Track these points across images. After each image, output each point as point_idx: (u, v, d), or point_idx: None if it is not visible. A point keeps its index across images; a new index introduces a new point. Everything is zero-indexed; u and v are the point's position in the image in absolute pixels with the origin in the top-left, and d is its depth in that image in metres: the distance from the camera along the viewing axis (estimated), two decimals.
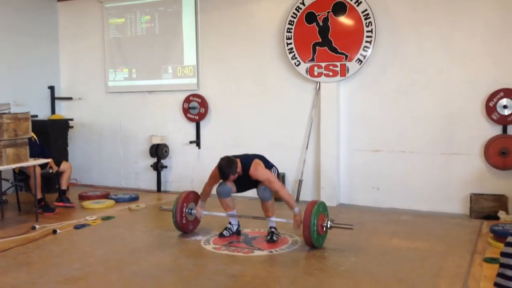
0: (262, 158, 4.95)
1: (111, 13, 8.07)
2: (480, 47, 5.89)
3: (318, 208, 4.51)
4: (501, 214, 5.61)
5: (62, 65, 8.63)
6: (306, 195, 6.83)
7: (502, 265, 2.06)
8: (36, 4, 8.20)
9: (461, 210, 6.03)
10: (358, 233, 5.08)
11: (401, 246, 4.66)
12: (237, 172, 4.66)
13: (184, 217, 5.04)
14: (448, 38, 6.03)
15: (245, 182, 4.84)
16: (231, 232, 5.03)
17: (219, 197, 4.94)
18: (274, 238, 4.81)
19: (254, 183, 4.84)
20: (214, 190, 5.01)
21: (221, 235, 5.00)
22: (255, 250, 4.59)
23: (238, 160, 4.70)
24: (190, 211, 5.10)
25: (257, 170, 4.67)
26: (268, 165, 4.89)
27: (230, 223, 5.08)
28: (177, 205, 5.00)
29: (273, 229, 4.87)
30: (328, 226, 4.61)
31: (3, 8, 7.65)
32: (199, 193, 5.19)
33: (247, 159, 4.78)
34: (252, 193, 6.93)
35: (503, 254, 2.08)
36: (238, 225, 5.13)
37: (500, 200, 5.73)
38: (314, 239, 4.47)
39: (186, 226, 5.10)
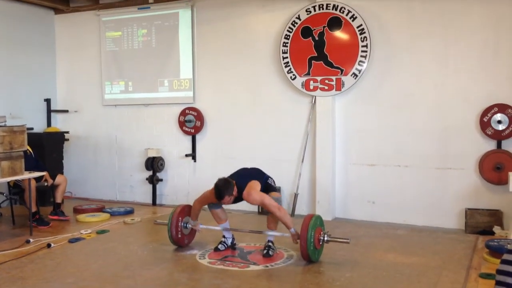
0: (258, 171, 4.96)
1: (108, 26, 8.11)
2: (474, 62, 5.94)
3: (315, 222, 4.51)
4: (496, 229, 5.62)
5: (58, 78, 8.64)
6: (302, 209, 6.83)
7: (498, 283, 2.06)
8: (34, 17, 8.22)
9: (456, 225, 6.04)
10: (354, 248, 5.07)
11: (396, 261, 4.66)
12: (232, 194, 4.62)
13: (179, 232, 5.03)
14: (443, 53, 6.08)
15: (240, 201, 4.83)
16: (226, 246, 5.02)
17: (210, 209, 4.93)
18: (270, 252, 4.80)
19: None
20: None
21: (216, 249, 4.98)
22: (250, 265, 4.57)
23: (234, 183, 4.65)
24: (185, 225, 5.08)
25: (250, 195, 4.57)
26: (265, 177, 4.89)
27: (224, 236, 5.06)
28: (172, 219, 4.98)
29: (270, 243, 4.85)
30: (325, 239, 4.60)
31: (0, 20, 7.67)
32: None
33: (242, 180, 4.70)
34: (247, 206, 6.92)
35: (499, 272, 2.09)
36: (233, 238, 5.11)
37: (495, 215, 5.75)
38: (310, 253, 4.46)
39: (182, 240, 5.09)
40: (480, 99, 5.90)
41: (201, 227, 5.12)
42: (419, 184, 6.24)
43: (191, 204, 5.15)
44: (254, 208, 7.01)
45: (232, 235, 5.11)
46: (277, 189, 4.98)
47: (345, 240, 4.63)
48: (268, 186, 4.83)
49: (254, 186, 4.64)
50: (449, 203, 6.09)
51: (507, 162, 5.74)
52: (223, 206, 4.93)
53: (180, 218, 5.03)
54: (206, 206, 4.99)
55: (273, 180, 4.99)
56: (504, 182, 5.67)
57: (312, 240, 4.44)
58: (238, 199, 4.77)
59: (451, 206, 6.07)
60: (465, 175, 6.01)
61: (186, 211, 5.14)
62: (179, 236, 5.03)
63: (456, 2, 5.99)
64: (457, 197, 6.05)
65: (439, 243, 5.29)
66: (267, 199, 4.58)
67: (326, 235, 4.60)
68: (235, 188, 4.63)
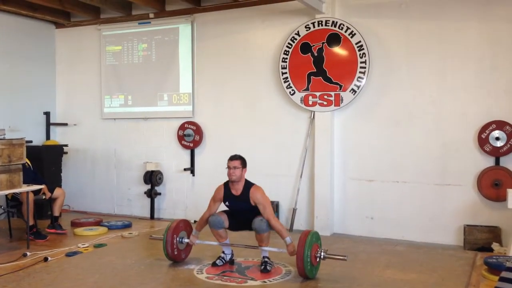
0: None
1: (109, 40, 8.16)
2: (472, 78, 5.98)
3: (311, 239, 4.49)
4: (495, 246, 5.61)
5: (58, 91, 8.67)
6: (300, 224, 6.81)
7: None
8: (34, 30, 8.28)
9: (455, 241, 6.03)
10: (352, 264, 5.06)
11: (395, 277, 4.64)
12: (243, 169, 4.77)
13: (175, 248, 5.01)
14: (441, 69, 6.12)
15: (240, 210, 4.83)
16: (224, 261, 5.00)
17: (211, 227, 4.92)
18: (268, 267, 4.78)
19: (248, 216, 4.80)
20: None
21: (214, 264, 4.96)
22: (248, 280, 4.55)
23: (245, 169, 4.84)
24: (181, 240, 5.06)
25: (258, 191, 4.75)
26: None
27: (223, 252, 5.05)
28: (167, 237, 4.95)
29: (266, 259, 4.84)
30: (322, 256, 4.58)
31: (1, 33, 7.72)
32: (190, 222, 5.16)
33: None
34: None
35: None
36: (232, 254, 5.10)
37: (493, 232, 5.74)
38: (307, 271, 4.44)
39: (179, 256, 5.07)
40: (478, 116, 5.93)
41: (198, 242, 5.11)
42: (418, 200, 6.24)
43: (189, 218, 5.15)
44: None
45: (232, 251, 5.09)
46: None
47: (342, 257, 4.61)
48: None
49: (262, 190, 4.83)
50: (448, 220, 6.08)
51: (505, 178, 5.75)
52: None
53: (174, 235, 5.01)
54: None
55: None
56: (503, 198, 5.68)
57: (309, 260, 4.42)
58: (239, 214, 4.81)
59: (450, 222, 6.07)
60: (463, 191, 6.01)
61: (181, 226, 5.13)
62: (175, 253, 5.02)
63: (453, 19, 6.05)
64: (455, 214, 6.05)
65: (437, 260, 5.28)
66: (269, 203, 4.78)
67: (322, 252, 4.58)
68: (244, 177, 4.80)
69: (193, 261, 5.11)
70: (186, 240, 5.08)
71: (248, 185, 4.82)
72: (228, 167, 4.79)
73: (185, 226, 5.16)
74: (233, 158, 4.82)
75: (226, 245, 5.04)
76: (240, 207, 4.84)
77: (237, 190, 4.82)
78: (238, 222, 4.92)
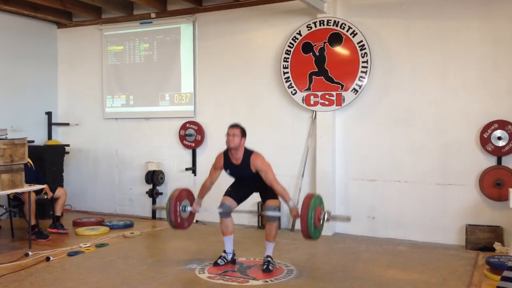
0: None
1: (110, 40, 8.17)
2: (474, 78, 5.97)
3: (315, 202, 4.50)
4: (497, 245, 5.60)
5: (60, 91, 8.68)
6: None
7: None
8: (36, 30, 8.29)
9: (457, 241, 6.02)
10: (354, 264, 5.06)
11: (397, 277, 4.63)
12: (242, 138, 4.77)
13: (178, 216, 4.94)
14: (443, 69, 6.11)
15: (242, 177, 4.86)
16: (226, 261, 5.00)
17: (221, 217, 4.94)
18: (270, 267, 4.78)
19: (250, 183, 4.86)
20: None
21: (215, 264, 4.95)
22: (250, 280, 4.55)
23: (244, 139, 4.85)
24: (184, 208, 5.00)
25: (258, 158, 4.76)
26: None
27: (224, 251, 5.05)
28: (170, 205, 4.90)
29: (269, 258, 4.84)
30: (325, 218, 4.57)
31: (3, 33, 7.74)
32: (192, 192, 5.15)
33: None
34: (247, 220, 6.92)
35: None
36: (233, 254, 5.10)
37: (495, 232, 5.73)
38: (311, 232, 4.43)
39: (182, 224, 5.02)
40: (480, 115, 5.92)
41: (200, 210, 5.09)
42: (420, 199, 6.23)
43: (190, 189, 5.16)
44: (254, 223, 7.00)
45: (233, 250, 5.10)
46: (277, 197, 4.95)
47: (346, 218, 4.61)
48: (270, 189, 4.83)
49: (262, 156, 4.83)
50: (450, 219, 6.07)
51: (507, 178, 5.74)
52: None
53: (178, 202, 4.95)
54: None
55: None
56: (505, 198, 5.67)
57: (313, 221, 4.41)
58: (243, 182, 4.88)
59: (452, 222, 6.06)
60: (465, 191, 6.00)
61: (184, 195, 5.05)
62: (179, 220, 4.96)
63: (455, 18, 6.04)
64: (457, 213, 6.04)
65: (439, 260, 5.27)
66: (271, 169, 4.76)
67: (326, 214, 4.59)
68: (243, 145, 4.78)
69: (195, 261, 5.11)
70: (189, 209, 5.03)
71: (248, 153, 4.81)
72: (228, 134, 4.80)
73: (187, 195, 5.10)
74: (233, 125, 4.84)
75: (231, 245, 5.02)
76: (242, 174, 4.87)
77: (237, 159, 4.82)
78: (241, 192, 4.95)
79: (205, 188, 5.04)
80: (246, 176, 4.85)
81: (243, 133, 4.83)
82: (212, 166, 5.00)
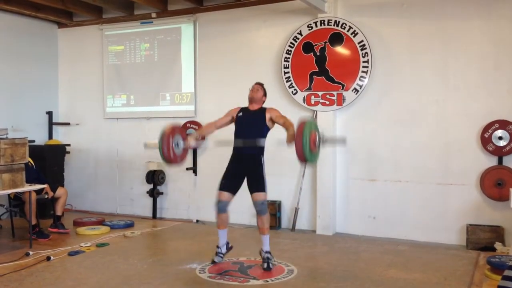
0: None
1: (111, 40, 8.17)
2: (475, 78, 5.97)
3: (310, 126, 4.47)
4: (498, 245, 5.60)
5: (60, 91, 8.69)
6: (302, 224, 6.81)
7: None
8: (37, 30, 8.30)
9: (458, 241, 6.02)
10: (355, 263, 5.06)
11: (398, 277, 4.63)
12: (263, 95, 5.11)
13: (171, 150, 4.84)
14: (444, 68, 6.11)
15: (249, 123, 4.95)
16: (222, 256, 5.00)
17: (217, 212, 4.93)
18: (271, 266, 4.78)
19: (254, 132, 4.91)
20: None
21: (213, 262, 4.96)
22: (250, 279, 4.54)
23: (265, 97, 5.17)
24: (176, 143, 4.90)
25: (274, 109, 5.03)
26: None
27: (217, 246, 5.04)
28: (163, 138, 4.82)
29: (268, 255, 4.83)
30: (321, 141, 4.57)
31: (4, 33, 7.74)
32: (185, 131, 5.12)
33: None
34: (248, 220, 6.91)
35: None
36: (227, 244, 5.09)
37: (496, 232, 5.72)
38: (307, 155, 4.39)
39: (175, 159, 4.91)
40: (481, 115, 5.91)
41: (193, 145, 5.11)
42: (420, 199, 6.23)
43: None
44: (255, 222, 6.98)
45: (226, 241, 5.08)
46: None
47: (341, 140, 4.59)
48: (258, 177, 4.88)
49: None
50: (451, 219, 6.07)
51: (508, 178, 5.73)
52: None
53: (171, 136, 4.85)
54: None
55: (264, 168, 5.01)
56: (506, 198, 5.66)
57: (308, 145, 4.37)
58: (258, 113, 5.00)
59: (453, 222, 6.06)
60: (466, 191, 6.00)
61: (177, 130, 4.98)
62: (172, 155, 4.85)
63: (456, 18, 6.04)
64: (458, 213, 6.04)
65: (440, 259, 5.27)
66: (280, 117, 4.98)
67: (322, 136, 4.59)
68: (264, 97, 5.14)
69: (195, 261, 5.10)
70: (182, 144, 4.93)
71: (264, 108, 5.05)
72: (252, 88, 5.06)
73: (180, 130, 5.04)
74: (258, 83, 5.16)
75: (225, 236, 5.03)
76: (251, 120, 4.96)
77: (254, 107, 5.04)
78: (235, 180, 4.92)
79: (207, 128, 5.18)
80: (253, 123, 4.93)
81: (265, 93, 5.14)
82: (227, 112, 5.15)
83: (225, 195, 4.90)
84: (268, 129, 4.99)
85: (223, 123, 5.13)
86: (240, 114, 5.03)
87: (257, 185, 4.84)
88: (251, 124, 4.97)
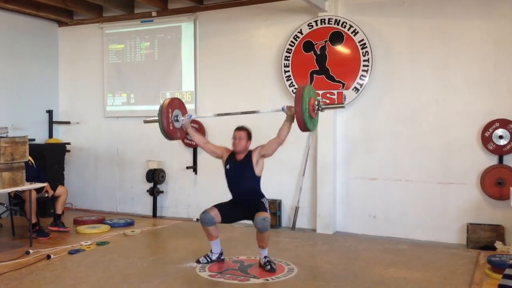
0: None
1: (111, 39, 8.16)
2: (476, 77, 5.96)
3: (308, 92, 4.48)
4: (498, 244, 5.59)
5: (61, 89, 8.68)
6: (302, 223, 6.81)
7: None
8: (37, 29, 8.29)
9: (458, 240, 6.01)
10: (355, 262, 5.06)
11: (398, 276, 4.63)
12: (248, 141, 4.87)
13: (170, 123, 4.85)
14: (444, 67, 6.11)
15: (239, 174, 4.84)
16: (209, 260, 4.97)
17: (202, 224, 4.87)
18: (274, 266, 4.75)
19: (245, 183, 4.85)
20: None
21: (197, 261, 4.95)
22: (251, 278, 4.54)
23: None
24: (175, 117, 4.92)
25: (256, 148, 4.85)
26: (264, 198, 4.94)
27: (211, 251, 5.02)
28: (162, 111, 4.81)
29: (268, 258, 4.81)
30: (320, 108, 4.59)
31: (4, 32, 7.74)
32: (184, 104, 5.15)
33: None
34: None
35: (501, 287, 2.08)
36: (220, 254, 5.05)
37: (497, 230, 5.72)
38: (307, 123, 4.43)
39: (174, 133, 4.91)
40: (481, 114, 5.91)
41: (192, 117, 5.11)
42: (421, 198, 6.22)
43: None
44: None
45: (221, 250, 5.05)
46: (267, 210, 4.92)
47: (340, 106, 4.69)
48: (261, 205, 4.84)
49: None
50: (451, 218, 6.06)
51: (508, 177, 5.73)
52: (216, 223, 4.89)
53: (170, 110, 4.85)
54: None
55: (267, 202, 5.00)
56: (506, 197, 5.66)
57: (307, 112, 4.40)
58: (245, 161, 4.85)
59: (453, 221, 6.05)
60: (466, 190, 6.00)
61: (176, 103, 4.98)
62: (171, 127, 4.85)
63: (456, 17, 6.03)
64: (458, 212, 6.03)
65: (440, 258, 5.26)
66: (266, 143, 4.83)
67: (320, 102, 4.61)
68: (249, 141, 4.89)
69: (195, 259, 5.09)
70: (182, 118, 4.94)
71: (249, 152, 4.89)
72: (234, 138, 4.84)
73: (179, 103, 5.03)
74: (240, 128, 4.89)
75: (219, 246, 5.02)
76: (240, 173, 4.85)
77: (240, 157, 4.89)
78: (231, 212, 4.87)
79: (201, 137, 5.27)
80: (243, 173, 4.83)
81: (249, 136, 4.89)
82: (217, 144, 5.11)
83: (214, 211, 4.83)
84: (259, 178, 4.90)
85: (211, 147, 5.10)
86: (228, 167, 4.91)
87: (261, 210, 4.76)
88: (240, 177, 4.87)
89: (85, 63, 8.48)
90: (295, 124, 4.52)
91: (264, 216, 4.67)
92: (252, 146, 4.97)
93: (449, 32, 6.07)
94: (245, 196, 4.89)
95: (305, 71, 6.61)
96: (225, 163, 4.96)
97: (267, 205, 4.90)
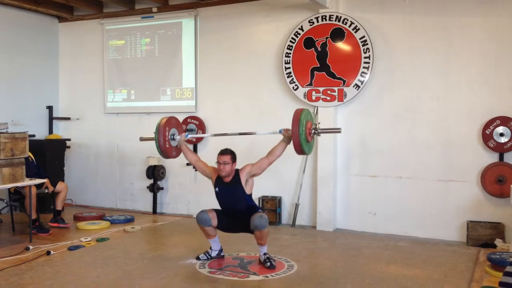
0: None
1: (112, 35, 8.15)
2: (476, 74, 5.95)
3: (305, 116, 4.56)
4: (498, 242, 5.59)
5: (61, 85, 8.67)
6: (302, 219, 6.81)
7: None
8: (38, 24, 8.27)
9: (458, 237, 6.01)
10: (355, 259, 5.06)
11: (398, 273, 4.63)
12: (233, 164, 4.79)
13: (167, 142, 4.92)
14: (445, 65, 6.09)
15: (230, 198, 4.81)
16: (208, 257, 4.98)
17: (198, 224, 4.88)
18: (273, 263, 4.75)
19: (238, 205, 4.82)
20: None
21: (197, 258, 4.96)
22: (250, 275, 4.54)
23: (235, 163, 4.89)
24: (172, 136, 4.99)
25: (244, 167, 4.83)
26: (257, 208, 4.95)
27: (210, 248, 5.03)
28: (159, 129, 4.87)
29: (267, 255, 4.80)
30: (316, 132, 4.68)
31: (4, 27, 7.72)
32: (180, 122, 5.21)
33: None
34: None
35: (502, 284, 2.08)
36: (220, 250, 5.05)
37: (497, 228, 5.72)
38: (304, 147, 4.53)
39: (170, 151, 4.99)
40: (482, 112, 5.90)
41: (188, 136, 5.17)
42: (421, 196, 6.22)
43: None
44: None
45: (220, 247, 5.06)
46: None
47: (336, 130, 4.86)
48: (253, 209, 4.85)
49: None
50: (451, 215, 6.06)
51: (509, 175, 5.72)
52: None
53: (167, 128, 4.93)
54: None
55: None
56: (506, 194, 5.66)
57: (304, 136, 4.49)
58: (234, 182, 4.81)
59: (453, 218, 6.05)
60: (467, 187, 5.99)
61: (173, 122, 5.06)
62: (167, 145, 4.93)
63: (458, 15, 6.01)
64: (459, 210, 6.03)
65: (440, 256, 5.26)
66: (256, 162, 4.83)
67: (317, 126, 4.69)
68: (234, 164, 4.82)
69: (195, 256, 5.09)
70: (178, 137, 5.02)
71: (237, 171, 4.85)
72: (218, 162, 4.79)
73: (176, 123, 5.12)
74: (224, 152, 4.81)
75: (218, 242, 5.02)
76: (230, 195, 4.82)
77: (228, 179, 4.84)
78: (228, 222, 4.86)
79: (192, 154, 5.18)
80: (234, 195, 4.81)
81: (234, 159, 4.83)
82: (206, 164, 5.04)
83: (212, 214, 4.85)
84: (250, 195, 4.88)
85: (201, 167, 5.06)
86: (217, 189, 4.88)
87: (253, 213, 4.75)
88: (232, 199, 4.85)
89: (85, 59, 8.47)
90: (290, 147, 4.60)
91: (260, 214, 4.70)
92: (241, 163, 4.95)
93: (450, 30, 6.06)
94: (238, 213, 4.86)
95: (306, 68, 6.60)
96: (214, 185, 4.93)
97: (258, 209, 4.90)
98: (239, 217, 4.81)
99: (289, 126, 4.60)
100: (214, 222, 4.85)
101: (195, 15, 7.49)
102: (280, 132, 4.80)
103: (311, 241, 5.93)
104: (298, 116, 4.51)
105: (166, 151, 4.96)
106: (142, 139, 5.41)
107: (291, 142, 4.64)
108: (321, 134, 4.93)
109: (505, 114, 5.79)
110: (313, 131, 4.66)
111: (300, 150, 4.58)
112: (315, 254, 5.46)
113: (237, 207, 4.84)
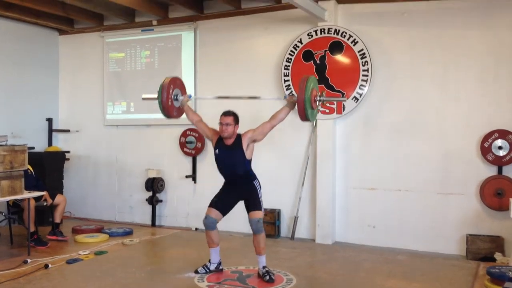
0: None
1: (112, 47, 8.18)
2: (475, 87, 5.97)
3: (310, 83, 4.54)
4: (498, 255, 5.57)
5: (60, 98, 8.69)
6: (302, 233, 6.79)
7: None
8: (38, 37, 8.31)
9: (457, 251, 5.99)
10: (354, 273, 5.04)
11: (397, 287, 4.61)
12: (235, 126, 4.79)
13: (170, 99, 4.91)
14: (443, 77, 6.12)
15: (229, 159, 4.80)
16: (207, 270, 4.95)
17: (205, 229, 4.87)
18: (272, 276, 4.73)
19: (235, 168, 4.82)
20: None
21: (196, 272, 4.93)
22: None
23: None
24: (175, 96, 4.99)
25: (247, 132, 4.82)
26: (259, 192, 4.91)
27: (209, 261, 5.00)
28: (163, 86, 4.86)
29: (266, 269, 4.78)
30: (321, 99, 4.67)
31: (4, 39, 7.75)
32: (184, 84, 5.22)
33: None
34: (247, 228, 6.89)
35: None
36: (219, 264, 5.02)
37: (496, 242, 5.71)
38: (308, 113, 4.52)
39: (171, 110, 4.98)
40: (481, 125, 5.91)
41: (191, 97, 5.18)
42: (420, 209, 6.21)
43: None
44: None
45: (219, 260, 5.03)
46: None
47: (341, 99, 4.96)
48: (254, 196, 4.83)
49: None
50: (450, 229, 6.05)
51: (508, 188, 5.72)
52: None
53: (171, 86, 4.92)
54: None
55: (259, 185, 4.97)
56: (505, 208, 5.65)
57: (309, 103, 4.48)
58: (235, 145, 4.80)
59: (452, 231, 6.04)
60: (466, 200, 5.98)
61: (178, 82, 5.08)
62: (170, 104, 4.92)
63: (456, 27, 6.05)
64: (458, 223, 6.02)
65: (440, 269, 5.25)
66: (258, 127, 4.82)
67: (322, 96, 4.69)
68: (237, 126, 4.81)
69: (193, 269, 5.07)
70: (181, 98, 5.03)
71: (239, 135, 4.84)
72: (221, 123, 4.79)
73: (180, 83, 5.14)
74: (226, 113, 4.80)
75: (218, 255, 4.99)
76: (230, 157, 4.82)
77: (229, 142, 4.83)
78: (227, 201, 4.87)
79: (196, 116, 5.24)
80: (233, 158, 4.80)
81: (236, 121, 4.84)
82: (209, 126, 5.08)
83: (214, 212, 4.83)
84: (250, 160, 4.88)
85: (203, 128, 5.11)
86: (217, 151, 4.88)
87: (254, 204, 4.77)
88: (231, 163, 4.85)
89: (85, 72, 8.49)
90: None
91: (258, 218, 4.69)
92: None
93: (449, 42, 6.09)
94: (237, 178, 4.88)
95: None
96: (214, 147, 4.93)
97: (259, 190, 4.87)
98: (236, 185, 4.84)
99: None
100: (219, 217, 4.83)
101: (194, 28, 7.54)
102: (285, 98, 4.83)
103: (310, 254, 5.91)
104: (305, 82, 4.51)
105: (168, 109, 4.94)
106: (144, 98, 5.37)
107: (295, 107, 4.63)
108: (326, 103, 4.85)
109: (504, 127, 5.80)
110: (318, 98, 4.67)
111: (304, 115, 4.57)
112: (314, 267, 5.44)
113: (236, 171, 4.83)
